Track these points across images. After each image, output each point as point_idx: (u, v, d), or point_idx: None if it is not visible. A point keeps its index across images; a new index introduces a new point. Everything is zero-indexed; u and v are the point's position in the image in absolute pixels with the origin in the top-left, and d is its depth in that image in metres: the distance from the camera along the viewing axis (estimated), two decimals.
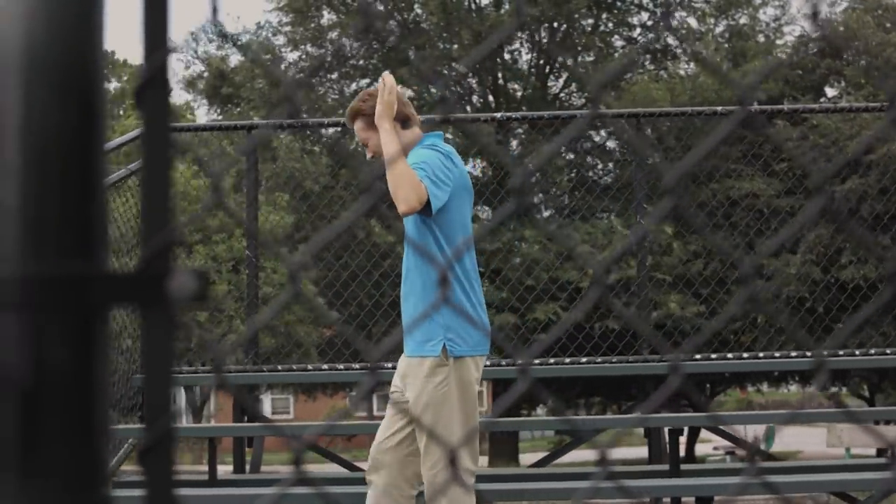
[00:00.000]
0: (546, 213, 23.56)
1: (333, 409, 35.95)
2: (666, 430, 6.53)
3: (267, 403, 43.01)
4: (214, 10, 0.93)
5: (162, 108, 0.92)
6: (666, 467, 6.44)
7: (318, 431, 5.20)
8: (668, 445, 6.44)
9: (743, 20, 24.03)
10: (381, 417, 4.79)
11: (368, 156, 4.61)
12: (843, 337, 12.46)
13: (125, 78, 41.28)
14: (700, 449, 26.33)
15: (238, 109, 25.11)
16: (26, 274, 0.88)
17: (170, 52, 0.92)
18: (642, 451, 8.99)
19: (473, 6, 24.94)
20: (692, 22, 24.98)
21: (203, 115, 28.10)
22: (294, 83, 0.96)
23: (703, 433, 16.96)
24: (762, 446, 26.40)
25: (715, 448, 25.22)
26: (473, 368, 4.43)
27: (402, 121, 4.56)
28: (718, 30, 24.13)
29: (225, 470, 8.62)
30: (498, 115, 8.93)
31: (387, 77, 4.53)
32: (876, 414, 11.96)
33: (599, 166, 24.97)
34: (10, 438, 0.87)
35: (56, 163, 0.89)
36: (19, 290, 0.87)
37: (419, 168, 4.31)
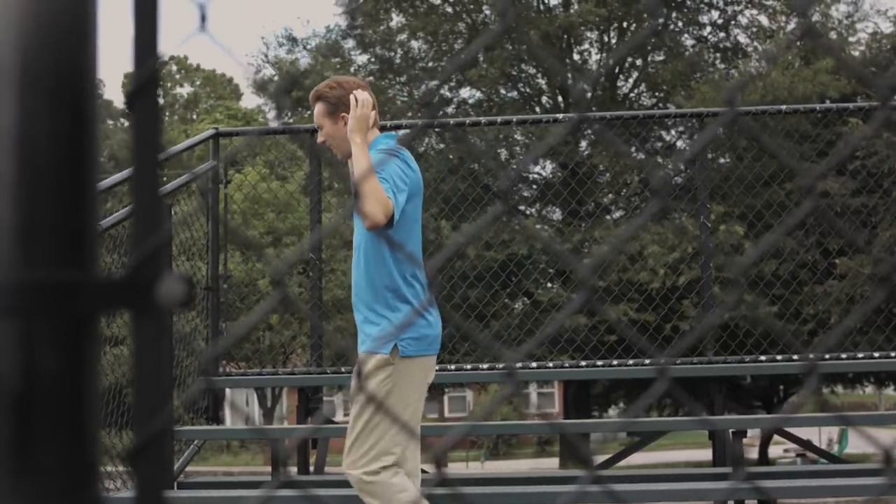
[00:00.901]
0: (616, 215, 23.47)
1: None
2: (730, 432, 6.47)
3: (340, 405, 43.22)
4: (203, 18, 0.94)
5: (152, 116, 0.93)
6: (729, 470, 6.38)
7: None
8: (729, 447, 6.38)
9: (815, 17, 23.74)
10: (453, 419, 4.84)
11: (319, 140, 4.69)
12: None
13: (197, 83, 41.74)
14: (773, 451, 26.04)
15: (308, 112, 25.27)
16: (17, 280, 0.89)
17: (160, 60, 0.93)
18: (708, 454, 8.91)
19: (542, 7, 24.89)
20: (763, 20, 24.75)
21: (273, 118, 28.31)
22: (279, 88, 0.96)
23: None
24: (834, 448, 26.04)
25: (785, 450, 24.92)
26: (423, 368, 4.51)
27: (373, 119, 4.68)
28: (790, 27, 23.88)
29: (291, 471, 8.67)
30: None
31: (359, 93, 4.60)
32: None
33: (670, 166, 24.80)
34: (3, 440, 0.89)
35: (47, 170, 0.91)
36: (10, 296, 0.89)
37: (383, 181, 4.35)
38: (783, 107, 8.15)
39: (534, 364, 7.89)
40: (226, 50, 0.96)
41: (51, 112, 0.91)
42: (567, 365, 7.88)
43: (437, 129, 21.96)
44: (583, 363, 7.80)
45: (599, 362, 7.57)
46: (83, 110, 0.92)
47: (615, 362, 7.55)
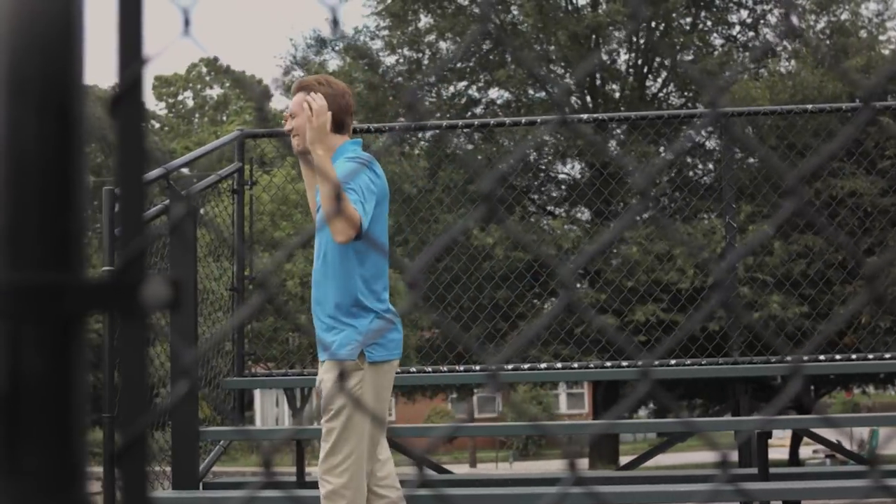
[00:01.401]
0: (646, 215, 23.39)
1: (434, 411, 36.09)
2: (755, 433, 6.45)
3: None
4: (186, 23, 0.95)
5: (136, 120, 0.94)
6: (755, 471, 6.36)
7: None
8: (755, 448, 6.36)
9: (844, 16, 23.62)
10: (483, 419, 4.87)
11: (288, 127, 4.64)
12: None
13: (227, 84, 41.89)
14: (802, 452, 25.92)
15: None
16: (4, 282, 0.91)
17: (144, 65, 0.94)
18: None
19: (570, 7, 24.86)
20: (793, 19, 24.61)
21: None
22: (261, 93, 0.97)
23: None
24: (865, 449, 25.89)
25: (815, 451, 24.80)
26: (389, 373, 4.55)
27: (338, 126, 4.62)
28: (819, 26, 23.75)
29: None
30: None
31: (318, 99, 4.52)
32: None
33: (700, 166, 24.72)
34: None
35: (34, 174, 0.92)
36: None
37: (351, 191, 4.34)
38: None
39: (558, 364, 7.90)
40: (210, 54, 0.97)
41: (38, 117, 0.93)
42: (592, 365, 7.87)
43: (464, 130, 21.96)
44: (608, 364, 7.79)
45: (625, 363, 7.56)
46: (70, 115, 0.94)
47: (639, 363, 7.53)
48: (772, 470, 6.36)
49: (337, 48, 26.46)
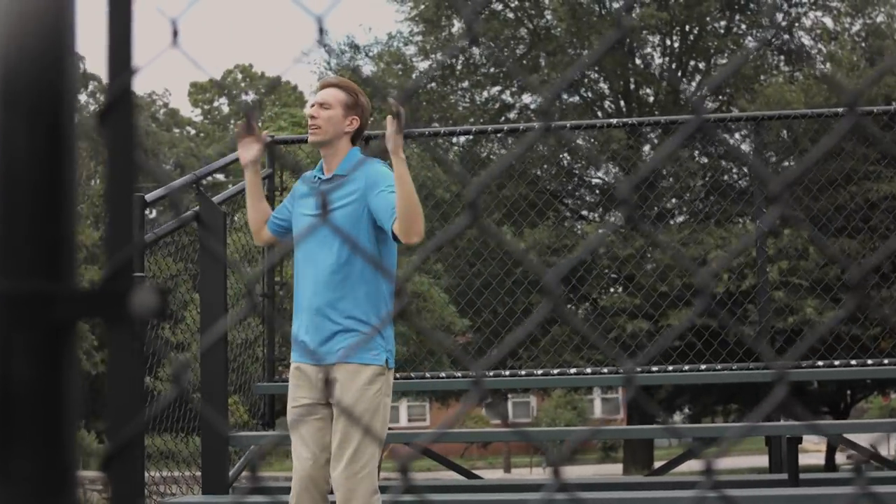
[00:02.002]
0: (679, 219, 23.32)
1: (468, 416, 36.05)
2: (784, 438, 6.42)
3: (403, 411, 43.33)
4: (175, 34, 0.97)
5: (127, 130, 0.95)
6: (784, 476, 6.33)
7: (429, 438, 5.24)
8: (786, 454, 6.33)
9: (880, 18, 23.46)
10: (517, 424, 4.88)
11: (314, 112, 4.57)
12: None
13: (262, 90, 42.05)
14: (838, 457, 25.75)
15: (371, 119, 25.37)
16: None
17: (134, 74, 0.95)
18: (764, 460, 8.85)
19: (603, 11, 24.82)
20: (828, 21, 24.49)
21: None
22: (248, 106, 0.98)
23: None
24: None
25: (848, 457, 24.61)
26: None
27: (359, 132, 4.67)
28: (854, 29, 23.61)
29: None
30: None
31: (401, 109, 4.51)
32: None
33: (734, 170, 24.62)
34: None
35: (25, 185, 0.93)
36: None
37: (393, 194, 4.41)
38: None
39: (588, 370, 7.88)
40: (197, 63, 0.98)
41: (28, 127, 0.94)
42: (617, 370, 7.84)
43: (492, 134, 21.99)
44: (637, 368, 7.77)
45: (655, 367, 7.53)
46: (61, 127, 0.95)
47: (670, 367, 7.50)
48: (802, 476, 6.32)
49: (371, 54, 26.53)
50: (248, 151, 4.60)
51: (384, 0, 35.56)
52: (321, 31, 0.94)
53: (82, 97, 46.09)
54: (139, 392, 0.94)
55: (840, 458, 25.88)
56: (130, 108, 0.95)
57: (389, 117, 4.35)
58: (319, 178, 4.63)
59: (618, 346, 15.92)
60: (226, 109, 43.76)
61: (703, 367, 7.54)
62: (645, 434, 8.08)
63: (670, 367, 7.45)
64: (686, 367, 7.53)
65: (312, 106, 4.61)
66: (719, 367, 7.51)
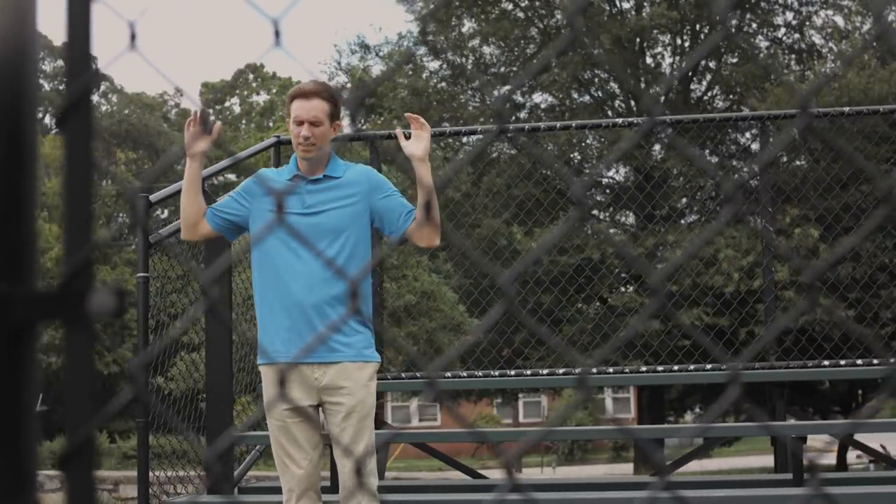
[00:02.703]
0: (690, 219, 23.30)
1: (479, 415, 36.05)
2: (790, 437, 6.40)
3: (414, 411, 43.33)
4: (133, 37, 0.97)
5: (85, 132, 0.96)
6: (790, 476, 6.32)
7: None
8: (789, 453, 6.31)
9: (891, 17, 23.38)
10: (528, 424, 4.90)
11: (307, 133, 4.54)
12: None
13: (274, 91, 42.09)
14: (847, 457, 25.67)
15: (381, 119, 25.44)
16: None
17: (93, 77, 0.96)
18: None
19: (614, 10, 24.80)
20: (838, 20, 24.44)
21: (346, 125, 28.50)
22: (205, 112, 0.99)
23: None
24: None
25: (858, 456, 24.55)
26: None
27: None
28: (865, 28, 23.55)
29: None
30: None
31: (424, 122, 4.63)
32: None
33: (745, 169, 24.57)
34: None
35: None
36: None
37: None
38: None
39: (610, 370, 7.87)
40: (157, 69, 0.99)
41: None
42: (623, 370, 7.84)
43: (508, 136, 21.95)
44: (651, 368, 7.76)
45: (660, 367, 7.52)
46: (22, 133, 0.95)
47: (676, 367, 7.50)
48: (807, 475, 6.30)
49: (381, 53, 26.54)
50: (199, 143, 4.51)
51: (394, 1, 35.57)
52: (277, 34, 0.95)
53: (94, 97, 46.05)
54: (96, 393, 0.94)
55: (851, 457, 25.81)
56: (89, 111, 0.96)
57: (419, 128, 4.52)
58: (305, 179, 4.58)
59: (617, 345, 15.87)
60: (237, 109, 43.82)
61: (708, 366, 7.54)
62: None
63: (676, 367, 7.44)
64: (692, 367, 7.53)
65: (301, 124, 4.53)
66: (708, 367, 7.51)
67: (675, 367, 7.45)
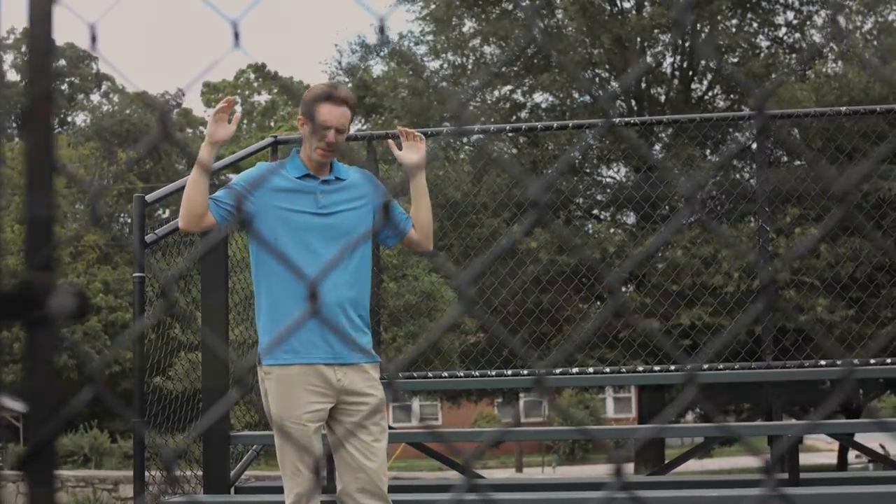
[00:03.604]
0: (691, 218, 23.27)
1: (480, 415, 36.06)
2: (786, 437, 6.41)
3: (416, 410, 43.35)
4: (93, 39, 0.97)
5: (45, 133, 0.96)
6: (785, 476, 6.32)
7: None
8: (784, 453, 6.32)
9: (892, 16, 23.39)
10: (529, 423, 4.95)
11: (335, 138, 4.53)
12: None
13: (275, 91, 42.12)
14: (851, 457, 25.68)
15: (381, 119, 25.44)
16: None
17: (53, 79, 0.96)
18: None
19: (614, 10, 24.79)
20: (840, 19, 24.41)
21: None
22: (164, 103, 0.99)
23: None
24: None
25: (857, 456, 24.56)
26: None
27: None
28: (866, 27, 23.54)
29: None
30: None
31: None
32: None
33: (746, 169, 24.56)
34: None
35: None
36: None
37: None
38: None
39: (607, 369, 7.88)
40: (120, 73, 0.99)
41: None
42: (621, 370, 7.84)
43: (511, 134, 21.97)
44: (650, 368, 7.76)
45: (657, 367, 7.52)
46: None
47: (673, 367, 7.49)
48: (803, 475, 6.32)
49: (382, 53, 26.53)
50: (224, 130, 4.49)
51: (395, 0, 35.57)
52: (236, 35, 0.95)
53: (95, 97, 46.24)
54: (56, 394, 0.95)
55: (851, 457, 25.81)
56: (49, 113, 0.96)
57: (412, 140, 4.65)
58: (317, 178, 4.57)
59: (617, 345, 15.89)
60: (238, 109, 43.85)
61: (705, 366, 7.53)
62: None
63: (672, 367, 7.44)
64: (673, 367, 7.53)
65: (327, 128, 4.51)
66: (721, 366, 7.50)
67: (672, 368, 7.46)
